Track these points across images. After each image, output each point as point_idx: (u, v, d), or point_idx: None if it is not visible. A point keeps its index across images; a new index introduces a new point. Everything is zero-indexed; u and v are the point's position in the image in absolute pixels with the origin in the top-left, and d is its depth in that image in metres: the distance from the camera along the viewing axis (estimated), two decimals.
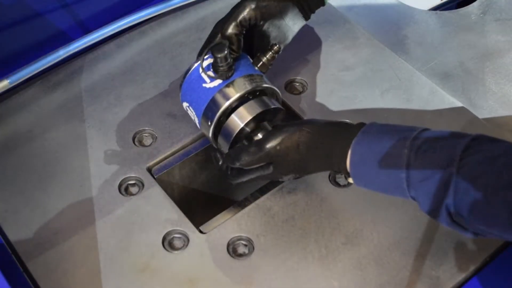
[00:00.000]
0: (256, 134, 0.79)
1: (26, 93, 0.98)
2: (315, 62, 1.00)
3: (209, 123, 0.79)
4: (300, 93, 0.96)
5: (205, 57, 0.80)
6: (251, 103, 0.78)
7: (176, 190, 0.91)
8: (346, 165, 0.71)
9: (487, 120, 0.94)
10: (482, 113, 0.95)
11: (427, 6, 1.17)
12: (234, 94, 0.77)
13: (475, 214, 0.62)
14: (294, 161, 0.74)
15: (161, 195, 0.84)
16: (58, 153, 0.90)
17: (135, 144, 0.90)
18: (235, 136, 0.78)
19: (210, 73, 0.79)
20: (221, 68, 0.77)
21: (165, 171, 0.88)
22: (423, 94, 0.95)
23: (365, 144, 0.69)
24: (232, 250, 0.79)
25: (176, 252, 0.78)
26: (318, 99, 0.95)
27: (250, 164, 0.74)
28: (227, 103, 0.77)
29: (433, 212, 0.66)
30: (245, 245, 0.79)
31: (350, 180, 0.72)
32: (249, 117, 0.77)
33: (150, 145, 0.90)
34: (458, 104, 0.94)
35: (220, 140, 0.80)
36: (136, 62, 1.02)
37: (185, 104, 0.83)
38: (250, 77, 0.79)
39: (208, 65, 0.80)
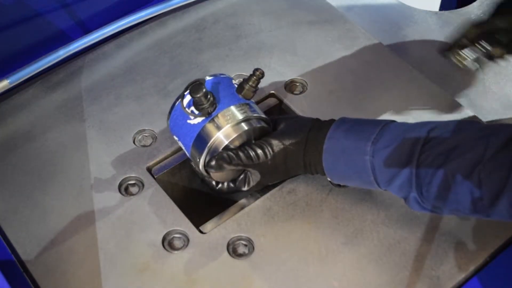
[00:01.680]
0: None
1: (26, 93, 0.98)
2: (315, 62, 1.00)
3: (198, 159, 0.80)
4: (300, 93, 0.96)
5: (185, 93, 0.80)
6: (238, 124, 0.79)
7: (176, 190, 0.90)
8: (323, 170, 0.78)
9: (487, 120, 0.94)
10: (482, 113, 0.95)
11: (427, 6, 1.17)
12: (216, 131, 0.78)
13: (441, 201, 0.68)
14: (280, 171, 0.81)
15: (161, 195, 0.84)
16: (58, 153, 0.90)
17: (135, 144, 0.90)
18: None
19: (191, 111, 0.79)
20: (201, 106, 0.78)
21: (165, 171, 0.88)
22: (423, 94, 0.95)
23: (333, 150, 0.76)
24: (232, 250, 0.79)
25: (176, 252, 0.78)
26: (318, 99, 0.95)
27: (238, 166, 0.79)
28: (210, 141, 0.78)
29: (405, 201, 0.73)
30: (245, 245, 0.79)
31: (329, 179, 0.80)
32: (234, 135, 0.78)
33: (150, 145, 0.90)
34: (458, 104, 0.94)
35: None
36: (136, 62, 1.02)
37: (175, 137, 0.84)
38: (230, 111, 0.79)
39: (189, 102, 0.80)
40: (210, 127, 0.79)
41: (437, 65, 1.03)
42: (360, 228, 0.80)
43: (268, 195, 0.83)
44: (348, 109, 0.93)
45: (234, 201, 0.86)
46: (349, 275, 0.76)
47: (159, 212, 0.82)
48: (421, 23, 1.11)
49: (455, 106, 0.94)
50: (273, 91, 0.96)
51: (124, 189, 0.85)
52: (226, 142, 0.78)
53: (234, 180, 0.83)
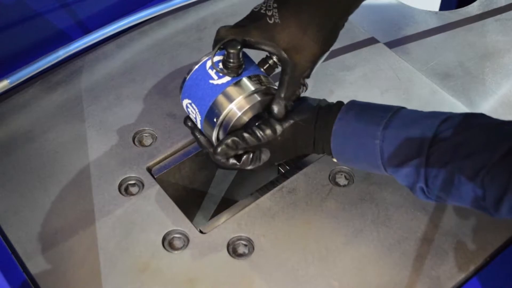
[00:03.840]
0: (254, 124, 0.77)
1: (26, 93, 0.98)
2: None
3: (215, 120, 0.76)
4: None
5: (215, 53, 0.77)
6: (252, 95, 0.76)
7: (176, 190, 0.91)
8: (330, 150, 0.76)
9: None
10: None
11: (427, 6, 1.17)
12: (241, 93, 0.76)
13: (446, 194, 0.68)
14: (289, 148, 0.77)
15: (161, 195, 0.84)
16: (58, 153, 0.90)
17: (135, 144, 0.90)
18: (232, 125, 0.76)
19: (219, 69, 0.76)
20: (232, 65, 0.75)
21: (165, 171, 0.88)
22: (423, 94, 0.95)
23: (343, 132, 0.74)
24: (232, 250, 0.79)
25: (176, 252, 0.79)
26: None
27: (247, 148, 0.76)
28: (233, 103, 0.75)
29: (410, 189, 0.72)
30: (245, 245, 0.79)
31: (335, 160, 0.77)
32: (247, 106, 0.76)
33: (150, 145, 0.90)
34: (458, 104, 0.94)
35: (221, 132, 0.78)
36: (136, 62, 1.02)
37: (186, 102, 0.80)
38: (257, 77, 0.77)
39: (216, 62, 0.77)
40: (236, 88, 0.76)
41: (437, 65, 1.03)
42: (360, 228, 0.80)
43: (268, 195, 0.84)
44: None
45: (234, 201, 0.86)
46: (349, 275, 0.76)
47: (159, 212, 0.82)
48: (421, 23, 1.11)
49: (455, 106, 0.94)
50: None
51: (124, 189, 0.85)
52: (247, 106, 0.76)
53: (239, 157, 0.78)
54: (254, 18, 0.77)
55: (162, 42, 1.05)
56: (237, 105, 0.75)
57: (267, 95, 0.77)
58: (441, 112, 0.71)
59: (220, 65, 0.76)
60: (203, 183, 0.96)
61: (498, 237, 0.79)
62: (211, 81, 0.77)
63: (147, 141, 0.91)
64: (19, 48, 1.03)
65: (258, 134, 0.75)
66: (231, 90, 0.76)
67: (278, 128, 0.75)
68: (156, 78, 0.99)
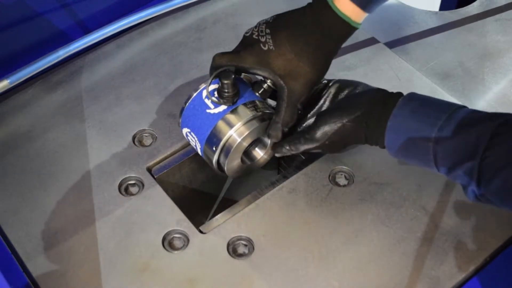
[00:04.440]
0: (254, 149, 0.83)
1: (26, 93, 0.98)
2: None
3: (214, 149, 0.79)
4: None
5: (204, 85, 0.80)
6: (251, 121, 0.79)
7: (176, 190, 0.91)
8: (383, 143, 0.75)
9: None
10: None
11: (427, 6, 1.17)
12: (239, 120, 0.78)
13: (499, 199, 0.66)
14: (340, 147, 0.79)
15: (161, 195, 0.84)
16: (58, 153, 0.90)
17: (135, 144, 0.90)
18: (232, 151, 0.79)
19: (215, 98, 0.78)
20: (227, 94, 0.77)
21: (165, 171, 0.88)
22: (423, 94, 0.95)
23: (397, 129, 0.73)
24: (232, 250, 0.79)
25: (176, 252, 0.79)
26: None
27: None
28: (232, 130, 0.78)
29: (462, 189, 0.71)
30: (245, 245, 0.79)
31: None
32: (247, 132, 0.78)
33: (150, 145, 0.90)
34: (458, 104, 0.94)
35: (221, 159, 0.81)
36: (136, 62, 1.02)
37: (185, 130, 0.82)
38: (252, 103, 0.79)
39: (211, 91, 0.79)
40: (232, 116, 0.78)
41: (437, 65, 1.03)
42: (360, 228, 0.80)
43: (268, 195, 0.84)
44: None
45: (234, 201, 0.86)
46: (349, 275, 0.76)
47: (159, 212, 0.82)
48: (421, 23, 1.11)
49: None
50: None
51: (124, 189, 0.85)
52: (247, 133, 0.78)
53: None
54: (248, 44, 0.77)
55: (162, 42, 1.05)
56: (236, 132, 0.77)
57: (264, 121, 0.79)
58: (499, 114, 0.69)
59: (216, 95, 0.78)
60: (203, 183, 0.96)
61: (498, 237, 0.79)
62: (208, 111, 0.79)
63: (147, 141, 0.91)
64: (19, 48, 1.03)
65: (314, 135, 0.77)
66: (228, 118, 0.78)
67: (327, 132, 0.76)
68: (156, 78, 0.99)
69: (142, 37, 1.06)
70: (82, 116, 0.94)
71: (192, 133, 0.81)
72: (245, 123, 0.78)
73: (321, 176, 0.85)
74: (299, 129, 0.81)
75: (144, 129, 0.92)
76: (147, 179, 0.86)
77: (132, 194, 0.85)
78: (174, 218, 0.81)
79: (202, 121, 0.79)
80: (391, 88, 0.96)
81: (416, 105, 0.73)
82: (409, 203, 0.82)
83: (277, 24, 0.76)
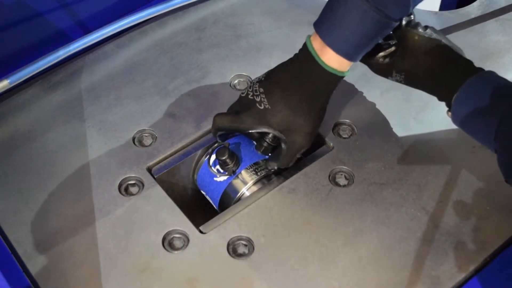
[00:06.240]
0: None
1: (26, 93, 0.98)
2: None
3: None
4: None
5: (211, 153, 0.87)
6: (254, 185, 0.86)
7: (176, 190, 0.91)
8: (451, 102, 0.78)
9: None
10: None
11: (427, 6, 1.17)
12: (243, 185, 0.85)
13: None
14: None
15: (161, 195, 0.84)
16: (58, 153, 0.90)
17: (135, 144, 0.90)
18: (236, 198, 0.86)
19: (216, 169, 0.86)
20: (227, 166, 0.85)
21: (165, 171, 0.88)
22: (423, 94, 0.95)
23: (467, 96, 0.76)
24: (232, 250, 0.79)
25: (176, 252, 0.79)
26: None
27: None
28: (236, 196, 0.85)
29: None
30: (245, 245, 0.79)
31: (449, 114, 0.79)
32: (250, 181, 0.85)
33: (150, 145, 0.90)
34: None
35: None
36: (136, 62, 1.02)
37: (203, 192, 0.90)
38: (254, 166, 0.86)
39: (214, 161, 0.87)
40: (236, 183, 0.85)
41: None
42: (360, 228, 0.80)
43: (268, 195, 0.84)
44: (348, 109, 0.93)
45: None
46: (349, 275, 0.76)
47: (159, 212, 0.82)
48: (421, 23, 1.11)
49: None
50: None
51: (124, 189, 0.85)
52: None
53: None
54: (245, 104, 0.81)
55: (162, 42, 1.05)
56: (242, 195, 0.85)
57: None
58: None
59: (218, 167, 0.86)
60: None
61: (498, 237, 0.79)
62: (215, 179, 0.87)
63: (147, 141, 0.91)
64: (19, 48, 1.03)
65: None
66: (234, 184, 0.85)
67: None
68: (156, 78, 0.99)
69: (142, 37, 1.06)
70: (82, 116, 0.94)
71: (207, 196, 0.89)
72: (248, 188, 0.85)
73: (321, 176, 0.85)
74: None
75: (144, 129, 0.92)
76: (147, 179, 0.86)
77: (132, 194, 0.85)
78: (174, 218, 0.81)
79: (212, 187, 0.87)
80: (391, 88, 0.97)
81: (480, 88, 0.75)
82: (409, 203, 0.82)
83: (270, 82, 0.80)
